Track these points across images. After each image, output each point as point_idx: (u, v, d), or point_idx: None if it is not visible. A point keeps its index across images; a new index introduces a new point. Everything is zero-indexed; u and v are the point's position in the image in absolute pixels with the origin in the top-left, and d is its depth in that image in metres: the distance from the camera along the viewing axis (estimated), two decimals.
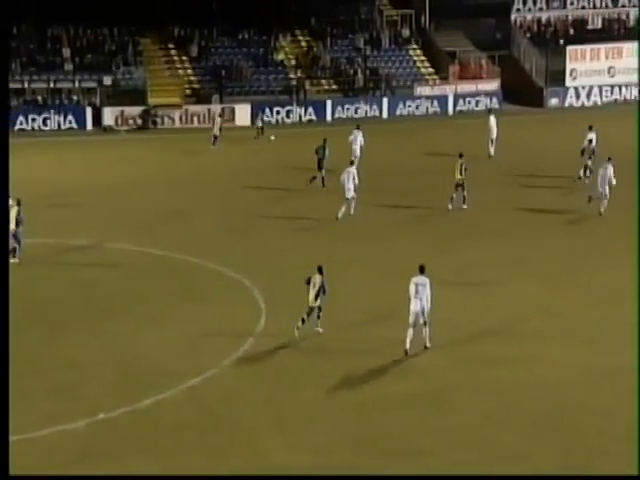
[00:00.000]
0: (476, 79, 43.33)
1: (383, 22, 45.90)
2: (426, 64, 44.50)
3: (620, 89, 43.51)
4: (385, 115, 41.87)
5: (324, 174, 27.11)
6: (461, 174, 24.43)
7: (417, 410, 13.68)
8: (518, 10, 46.55)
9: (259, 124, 36.92)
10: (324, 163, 27.07)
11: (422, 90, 42.64)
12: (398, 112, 41.95)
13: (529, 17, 46.55)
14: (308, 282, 16.17)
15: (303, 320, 16.24)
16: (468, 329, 16.77)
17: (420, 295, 15.47)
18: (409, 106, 42.15)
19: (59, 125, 38.74)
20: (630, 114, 38.78)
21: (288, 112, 40.85)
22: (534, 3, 46.64)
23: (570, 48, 43.70)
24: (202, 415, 13.76)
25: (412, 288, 15.55)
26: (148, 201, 27.20)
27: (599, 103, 43.34)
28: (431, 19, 46.23)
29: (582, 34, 45.96)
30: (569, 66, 43.33)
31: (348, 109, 41.56)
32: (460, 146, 32.11)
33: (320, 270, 16.11)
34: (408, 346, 15.45)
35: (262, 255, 21.64)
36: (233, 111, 40.23)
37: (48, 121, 38.50)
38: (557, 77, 43.23)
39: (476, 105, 42.62)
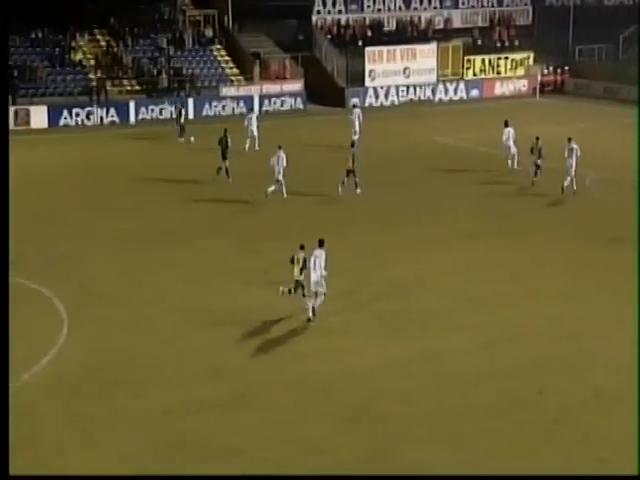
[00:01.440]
0: (280, 80, 44.05)
1: (186, 22, 45.49)
2: (231, 64, 44.63)
3: (415, 89, 45.94)
4: (191, 116, 41.48)
5: (228, 164, 28.07)
6: (353, 162, 26.16)
7: (227, 410, 13.72)
8: (318, 12, 47.84)
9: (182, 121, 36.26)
10: (228, 153, 28.31)
11: (227, 91, 42.73)
12: (204, 113, 41.77)
13: (329, 19, 47.99)
14: (292, 261, 17.19)
15: (290, 291, 17.21)
16: (277, 327, 17.04)
17: (317, 266, 16.78)
18: (215, 107, 42.09)
19: None
20: (424, 113, 41.15)
21: (88, 114, 39.45)
22: (333, 5, 48.14)
23: (368, 49, 45.48)
24: None
25: (312, 260, 16.88)
26: None
27: (396, 102, 45.45)
28: (234, 20, 46.42)
29: (379, 36, 48.04)
30: (368, 67, 45.09)
31: (152, 110, 40.82)
32: (271, 143, 32.31)
33: (302, 247, 17.26)
34: (310, 315, 16.95)
35: (64, 263, 20.78)
36: (28, 114, 38.27)
37: None
38: (357, 77, 44.86)
39: (281, 105, 43.31)
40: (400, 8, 49.17)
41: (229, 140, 28.65)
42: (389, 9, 48.98)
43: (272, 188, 25.78)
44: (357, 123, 33.90)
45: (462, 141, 34.57)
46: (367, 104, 44.55)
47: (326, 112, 42.07)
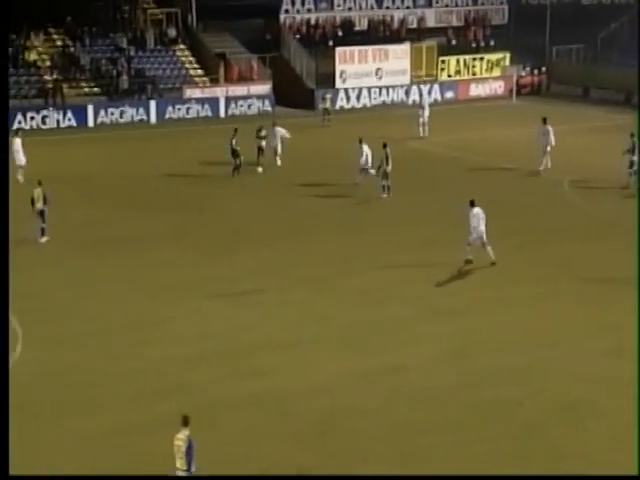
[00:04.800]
0: (247, 81, 44.14)
1: (147, 21, 45.45)
2: (195, 65, 44.65)
3: (388, 91, 46.27)
4: (153, 119, 41.50)
5: (240, 162, 29.75)
6: (387, 164, 27.10)
7: None
8: (287, 11, 48.00)
9: (326, 105, 40.15)
10: (239, 151, 29.89)
11: (192, 93, 42.74)
12: (167, 116, 41.74)
13: (298, 18, 48.17)
14: None
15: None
16: (240, 340, 17.09)
17: (479, 221, 20.49)
18: (179, 109, 42.08)
19: None
20: (397, 116, 41.38)
21: (44, 117, 39.24)
22: (302, 4, 48.33)
23: (339, 50, 45.72)
24: None
25: (473, 219, 20.59)
26: None
27: (368, 105, 45.76)
28: (198, 19, 46.47)
29: (350, 36, 48.32)
30: (338, 68, 45.34)
31: (112, 113, 40.71)
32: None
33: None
34: (471, 257, 20.71)
35: (15, 275, 20.60)
36: None
37: None
38: (327, 79, 45.07)
39: (248, 108, 43.40)
40: (372, 7, 49.50)
41: (234, 140, 29.96)
42: (360, 8, 49.28)
43: (359, 178, 28.01)
44: (426, 114, 35.82)
45: (435, 146, 34.89)
46: (338, 107, 44.77)
47: (295, 115, 42.20)
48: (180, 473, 11.41)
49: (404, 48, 46.75)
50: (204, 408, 14.33)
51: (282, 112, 43.05)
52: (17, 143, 29.05)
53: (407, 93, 46.37)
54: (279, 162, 31.32)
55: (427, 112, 36.30)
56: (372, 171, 27.93)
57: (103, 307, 18.78)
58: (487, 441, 13.40)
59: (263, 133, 31.24)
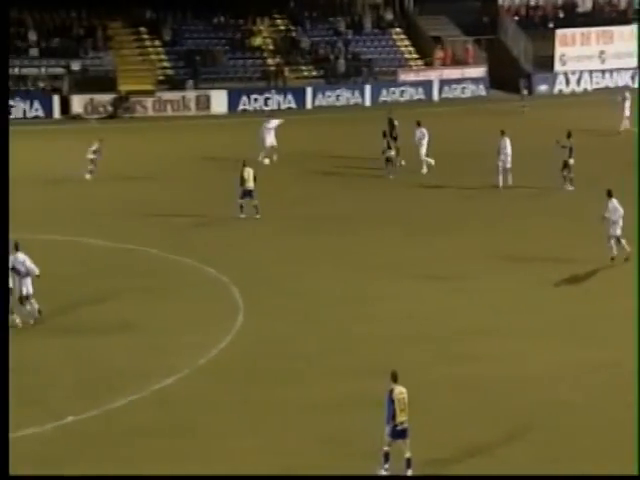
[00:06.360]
0: (462, 65, 43.43)
1: (364, 5, 45.88)
2: (410, 49, 44.57)
3: (612, 75, 43.77)
4: (368, 102, 41.91)
5: (392, 153, 27.78)
6: (570, 156, 25.43)
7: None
8: None
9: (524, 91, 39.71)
10: (391, 141, 28.14)
11: (406, 76, 42.70)
12: (381, 99, 41.99)
13: (517, 0, 46.64)
14: None
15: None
16: (447, 324, 16.97)
17: (618, 212, 19.51)
18: (393, 92, 42.20)
19: (24, 113, 38.46)
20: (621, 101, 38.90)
21: (266, 99, 40.80)
22: None
23: (559, 32, 43.89)
24: (171, 418, 13.83)
25: (613, 211, 19.49)
26: (120, 193, 27.05)
27: (589, 89, 43.58)
28: (415, 2, 46.26)
29: (572, 17, 46.17)
30: (558, 50, 43.51)
31: (329, 96, 41.57)
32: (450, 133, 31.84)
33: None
34: (615, 253, 19.58)
35: (238, 249, 21.66)
36: (208, 99, 40.09)
37: (13, 109, 38.12)
38: (545, 62, 43.40)
39: (462, 92, 42.72)
40: None
41: (394, 127, 28.90)
42: None
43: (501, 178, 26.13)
44: (627, 105, 33.29)
45: None
46: (556, 91, 43.05)
47: (509, 99, 41.00)
48: (405, 426, 11.76)
49: (631, 30, 44.02)
50: (409, 390, 14.27)
51: (496, 95, 42.04)
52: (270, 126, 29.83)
53: (633, 77, 43.59)
54: (431, 162, 27.96)
55: (629, 103, 33.24)
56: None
57: (314, 283, 19.28)
58: None
59: (389, 143, 27.71)
